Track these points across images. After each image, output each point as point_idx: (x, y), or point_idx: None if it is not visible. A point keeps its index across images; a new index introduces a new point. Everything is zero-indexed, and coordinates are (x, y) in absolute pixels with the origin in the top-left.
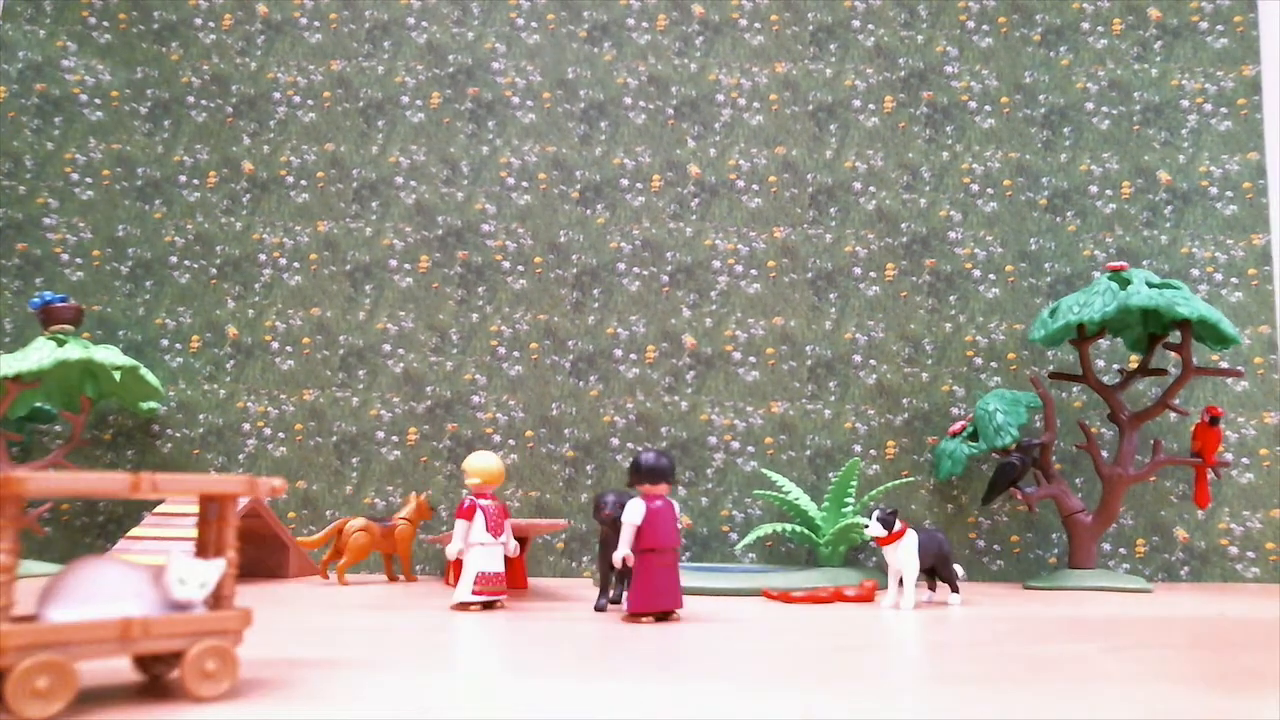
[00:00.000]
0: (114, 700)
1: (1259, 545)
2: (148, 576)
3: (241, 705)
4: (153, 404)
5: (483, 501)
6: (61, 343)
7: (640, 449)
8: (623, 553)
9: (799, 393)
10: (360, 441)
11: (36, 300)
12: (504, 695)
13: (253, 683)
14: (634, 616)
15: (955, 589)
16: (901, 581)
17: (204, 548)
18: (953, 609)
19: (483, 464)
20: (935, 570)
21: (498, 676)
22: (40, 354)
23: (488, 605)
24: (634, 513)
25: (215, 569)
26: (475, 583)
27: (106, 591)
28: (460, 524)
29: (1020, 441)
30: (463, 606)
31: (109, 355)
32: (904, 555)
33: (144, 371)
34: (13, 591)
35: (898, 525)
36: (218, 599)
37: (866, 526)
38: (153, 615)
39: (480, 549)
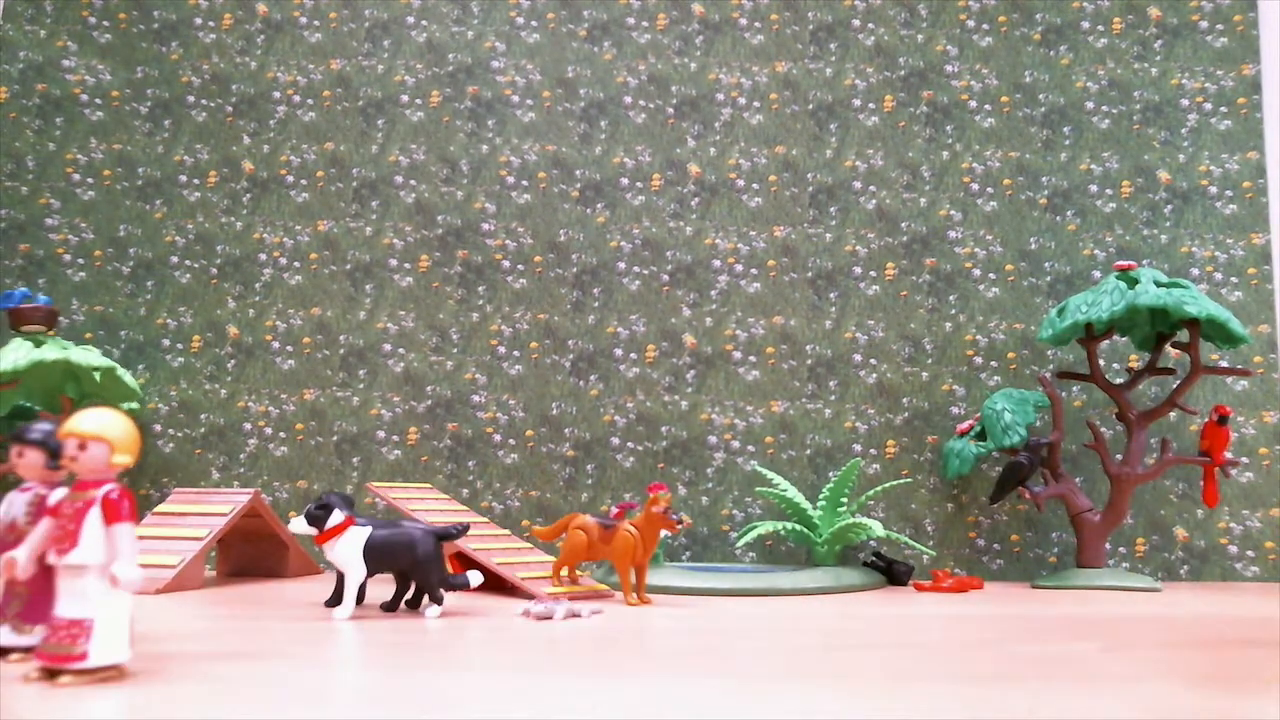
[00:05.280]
0: None
1: (1258, 544)
2: None
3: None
4: (132, 405)
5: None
6: (39, 343)
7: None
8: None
9: (799, 392)
10: (361, 441)
11: (3, 300)
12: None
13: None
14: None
15: (435, 599)
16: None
17: None
18: (430, 621)
19: (124, 428)
20: (407, 575)
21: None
22: (16, 354)
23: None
24: None
25: None
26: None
27: None
28: (124, 530)
29: (1028, 441)
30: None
31: (87, 356)
32: (343, 554)
33: (121, 373)
34: None
35: (339, 519)
36: None
37: (299, 521)
38: None
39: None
